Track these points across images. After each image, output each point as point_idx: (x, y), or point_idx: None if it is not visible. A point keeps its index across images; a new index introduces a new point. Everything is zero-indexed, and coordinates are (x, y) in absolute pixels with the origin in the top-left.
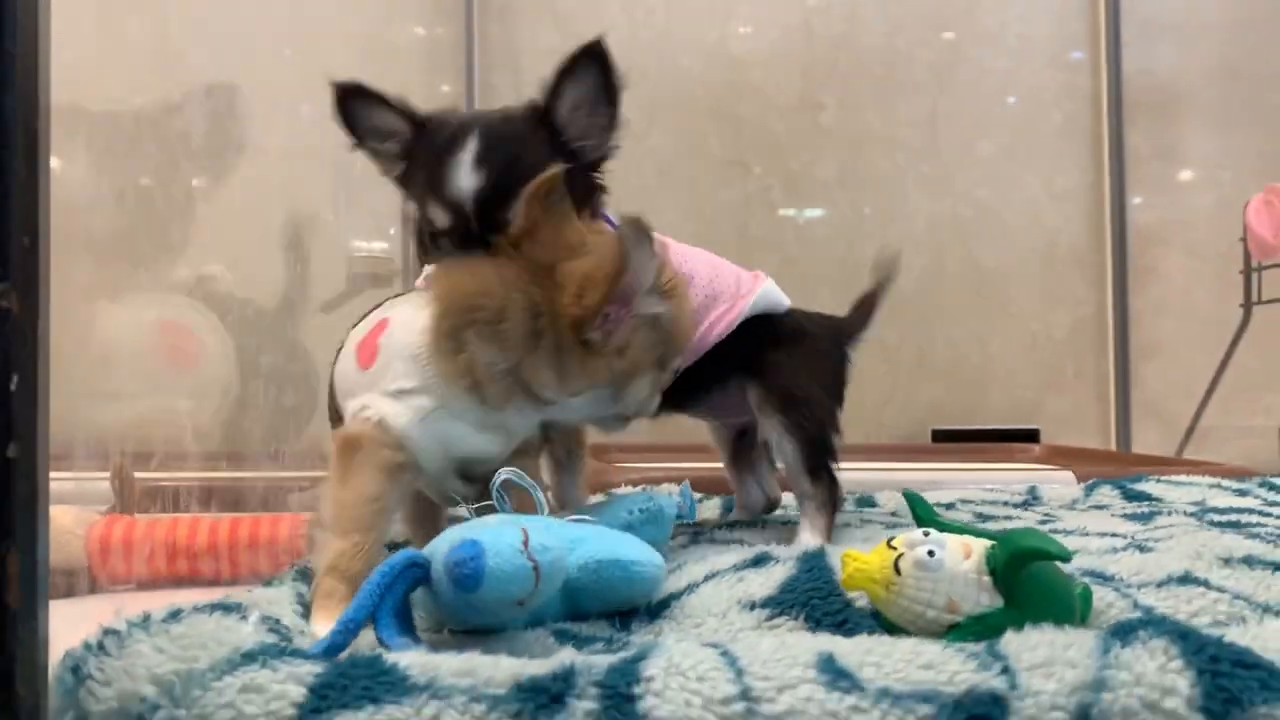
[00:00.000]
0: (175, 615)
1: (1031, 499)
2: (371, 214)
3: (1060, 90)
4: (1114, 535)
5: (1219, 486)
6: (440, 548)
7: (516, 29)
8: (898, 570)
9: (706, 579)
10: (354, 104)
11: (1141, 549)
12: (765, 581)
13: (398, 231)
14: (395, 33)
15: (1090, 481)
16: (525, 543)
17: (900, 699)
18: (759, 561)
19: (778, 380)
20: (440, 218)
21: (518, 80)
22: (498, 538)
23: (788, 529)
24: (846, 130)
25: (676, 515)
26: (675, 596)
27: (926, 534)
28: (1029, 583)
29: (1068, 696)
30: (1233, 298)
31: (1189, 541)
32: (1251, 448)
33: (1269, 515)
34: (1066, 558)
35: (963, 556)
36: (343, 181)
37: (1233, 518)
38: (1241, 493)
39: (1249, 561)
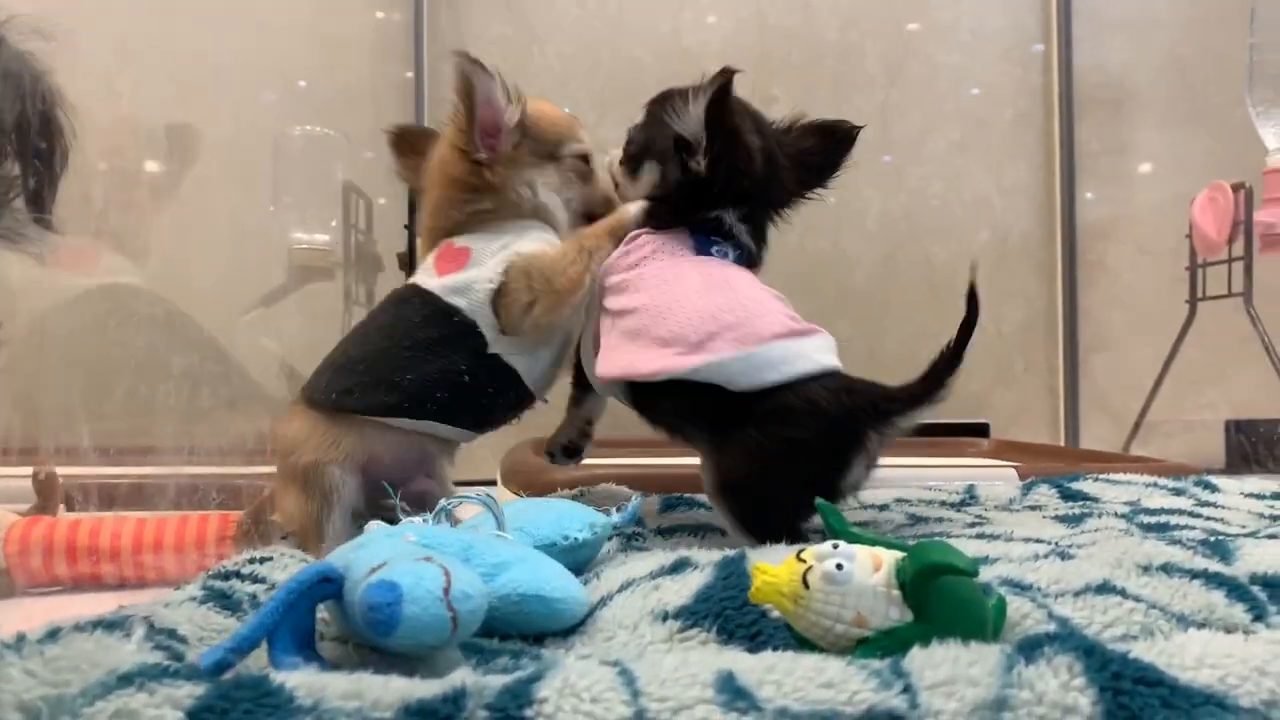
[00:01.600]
0: (53, 635)
1: (969, 499)
2: (312, 205)
3: (1012, 86)
4: (1039, 541)
5: (1155, 485)
6: (357, 571)
7: (468, 17)
8: (806, 584)
9: (622, 588)
10: None
11: (1064, 556)
12: (680, 590)
13: (338, 223)
14: (344, 20)
15: (1029, 480)
16: (447, 590)
17: (798, 719)
18: (677, 568)
19: (725, 460)
20: None
21: None
22: (417, 582)
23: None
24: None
25: (619, 526)
26: (591, 609)
27: (836, 546)
28: (938, 597)
29: (968, 716)
30: (1180, 293)
31: (1112, 548)
32: (1197, 441)
33: (1198, 517)
34: (973, 572)
35: (872, 569)
36: (283, 173)
37: (1162, 519)
38: (1177, 491)
39: (1167, 569)
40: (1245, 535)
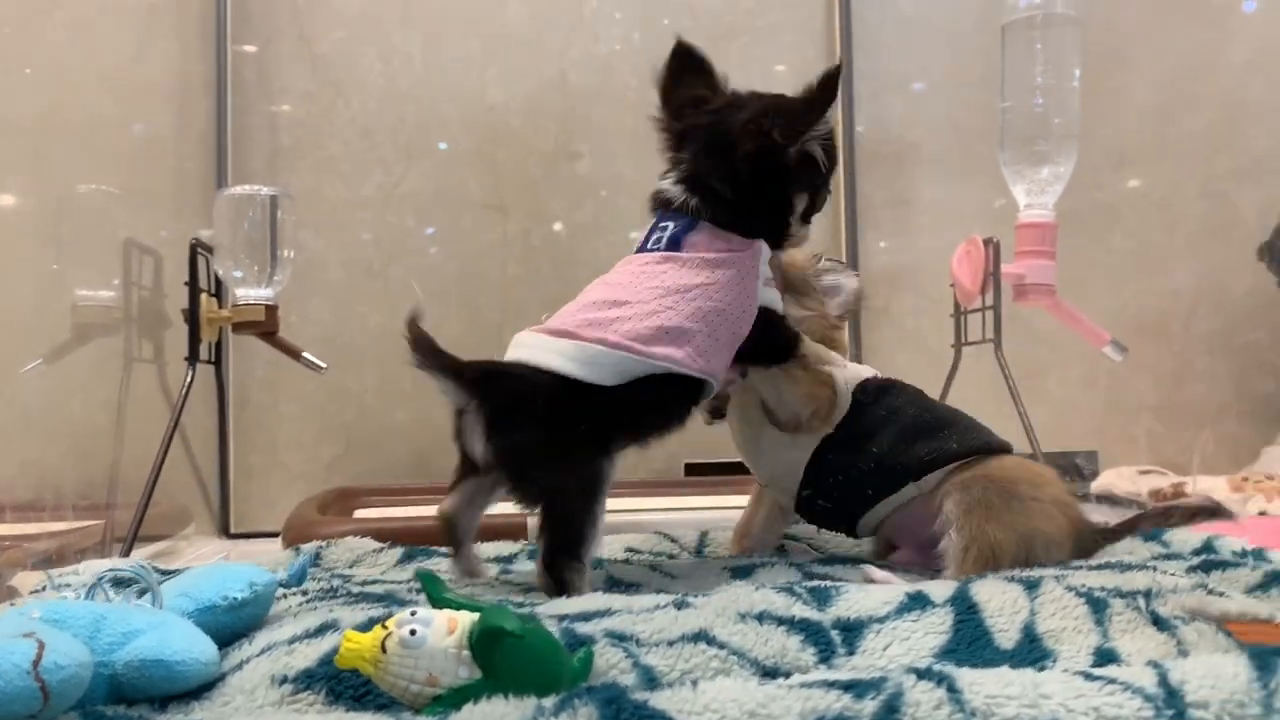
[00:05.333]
0: None
1: (701, 545)
2: (95, 263)
3: None
4: (669, 592)
5: None
6: None
7: (272, 72)
8: (384, 649)
9: (262, 651)
10: None
11: (680, 606)
12: (309, 653)
13: (121, 281)
14: (144, 71)
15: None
16: (37, 661)
17: None
18: (320, 631)
19: None
20: None
21: (273, 124)
22: (6, 655)
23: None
24: (602, 178)
25: (285, 583)
26: (224, 673)
27: (414, 613)
28: (502, 656)
29: None
30: (950, 338)
31: (726, 596)
32: None
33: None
34: (521, 636)
35: (447, 633)
36: (67, 229)
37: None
38: None
39: (762, 617)
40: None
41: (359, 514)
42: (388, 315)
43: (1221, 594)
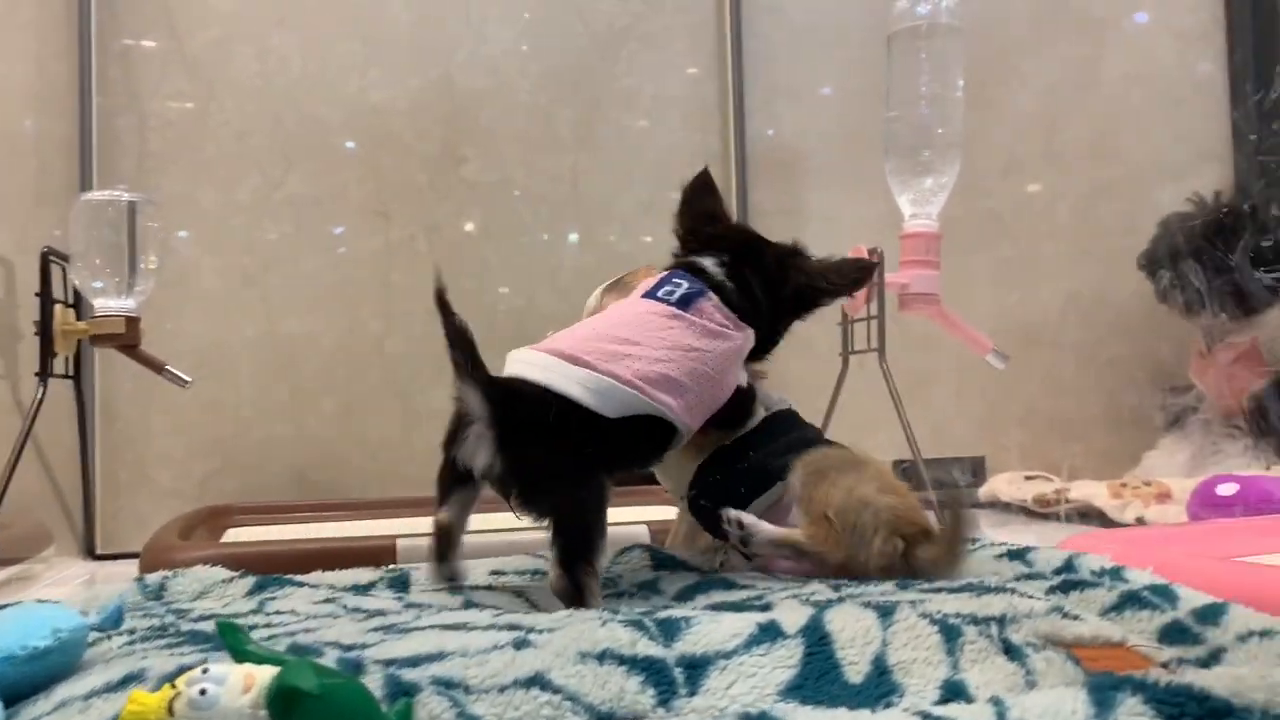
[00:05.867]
0: None
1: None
2: None
3: (693, 150)
4: (518, 629)
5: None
6: None
7: (140, 73)
8: (171, 710)
9: (56, 709)
10: None
11: (520, 646)
12: (106, 711)
13: None
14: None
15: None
16: None
17: None
18: (124, 683)
19: None
20: None
21: (143, 125)
22: None
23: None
24: (490, 183)
25: (99, 627)
26: None
27: (206, 670)
28: (300, 715)
29: None
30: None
31: (571, 633)
32: None
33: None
34: (319, 696)
35: (241, 691)
36: None
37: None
38: None
39: (603, 656)
40: (719, 609)
41: (231, 534)
42: (265, 325)
43: (1076, 617)
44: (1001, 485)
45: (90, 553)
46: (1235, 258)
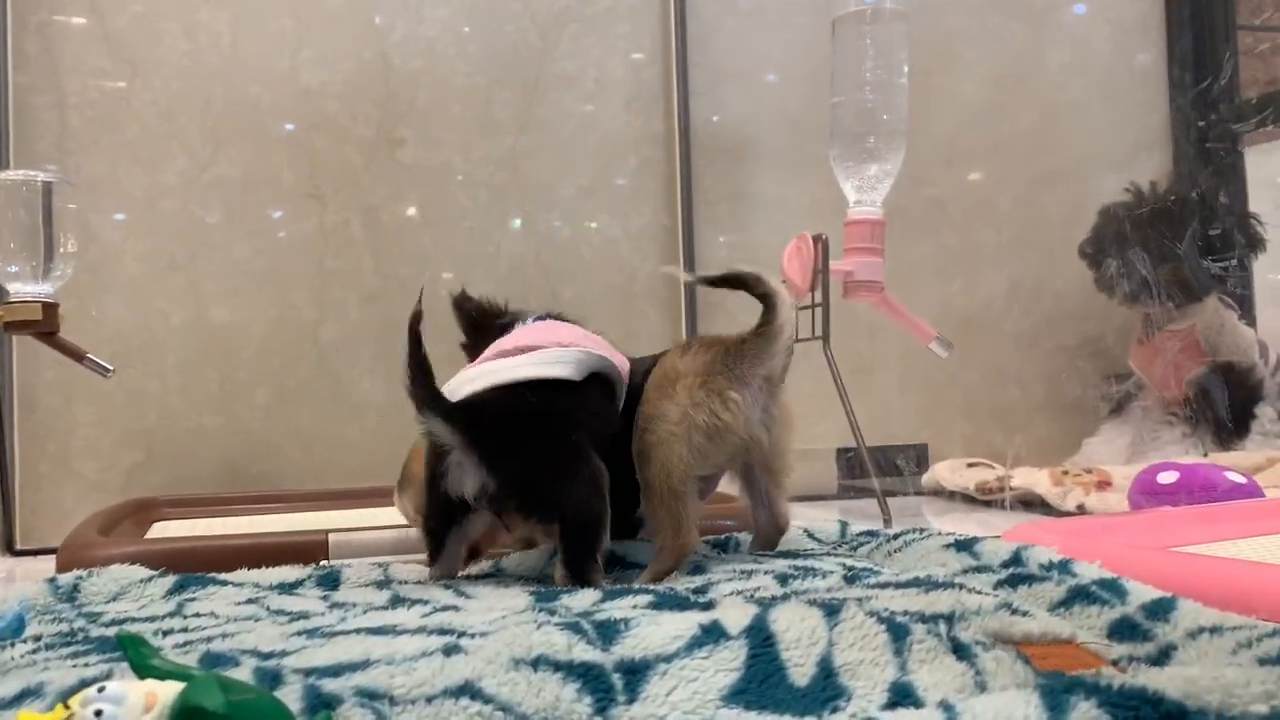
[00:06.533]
0: None
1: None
2: None
3: (636, 134)
4: (449, 633)
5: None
6: None
7: (59, 48)
8: None
9: None
10: None
11: (451, 651)
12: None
13: None
14: None
15: None
16: None
17: None
18: (18, 699)
19: None
20: None
21: (61, 102)
22: None
23: None
24: (427, 166)
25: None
26: None
27: (102, 689)
28: None
29: None
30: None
31: (504, 638)
32: (812, 469)
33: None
34: (223, 714)
35: (143, 711)
36: None
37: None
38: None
39: (538, 663)
40: (670, 610)
41: (158, 528)
42: (193, 312)
43: (1025, 613)
44: (943, 473)
45: (9, 548)
46: (1183, 246)
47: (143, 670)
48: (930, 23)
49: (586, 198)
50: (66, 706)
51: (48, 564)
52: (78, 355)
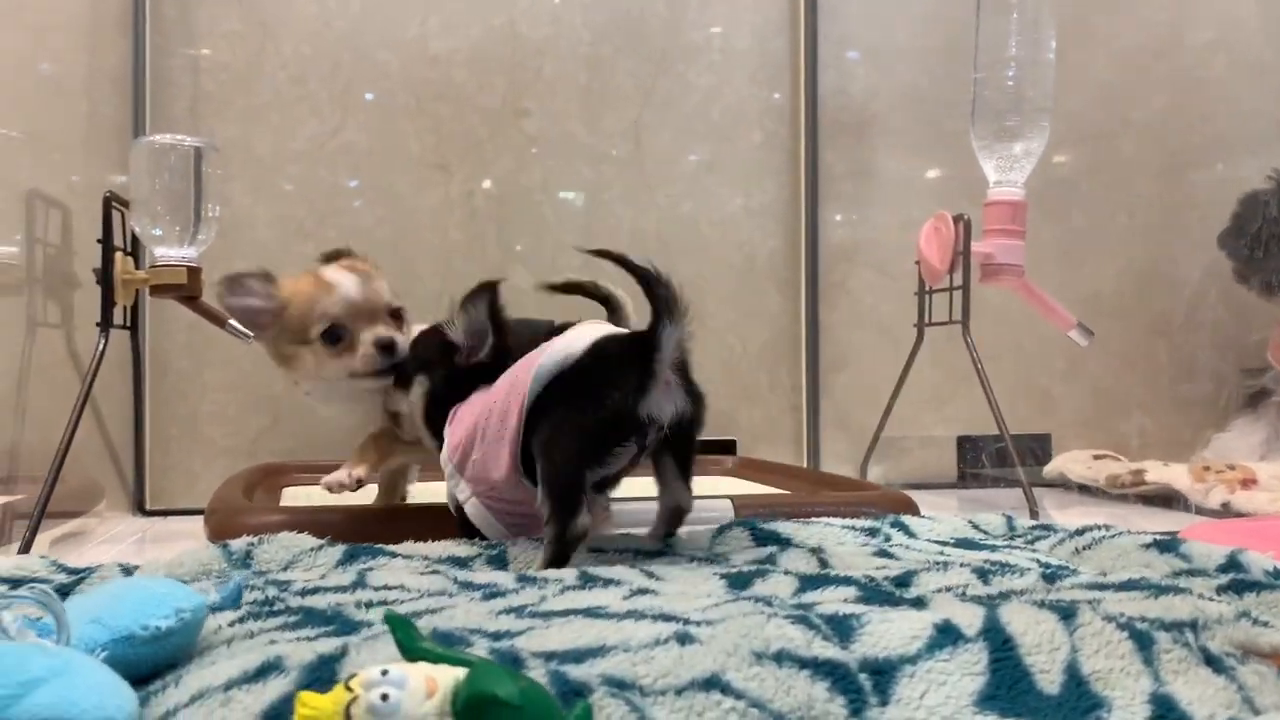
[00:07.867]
0: None
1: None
2: None
3: (761, 108)
4: (672, 619)
5: (852, 529)
6: None
7: (195, 9)
8: (349, 716)
9: (193, 700)
10: None
11: (685, 640)
12: (251, 705)
13: (24, 236)
14: (48, 4)
15: (730, 521)
16: None
17: None
18: (262, 673)
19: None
20: None
21: (195, 65)
22: None
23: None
24: (551, 137)
25: (217, 607)
26: None
27: (385, 672)
28: None
29: None
30: (912, 316)
31: (736, 628)
32: (931, 456)
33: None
34: (520, 706)
35: (425, 696)
36: None
37: (831, 571)
38: (871, 532)
39: (780, 657)
40: (884, 605)
41: (287, 493)
42: None
43: (1266, 623)
44: (1069, 464)
45: (140, 508)
46: None
47: (413, 653)
48: None
49: (708, 172)
50: (348, 687)
51: (177, 524)
52: (220, 320)
